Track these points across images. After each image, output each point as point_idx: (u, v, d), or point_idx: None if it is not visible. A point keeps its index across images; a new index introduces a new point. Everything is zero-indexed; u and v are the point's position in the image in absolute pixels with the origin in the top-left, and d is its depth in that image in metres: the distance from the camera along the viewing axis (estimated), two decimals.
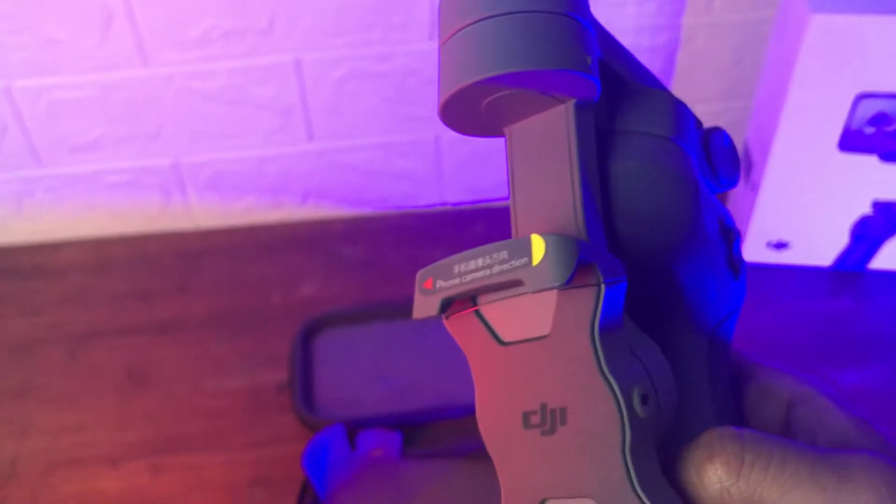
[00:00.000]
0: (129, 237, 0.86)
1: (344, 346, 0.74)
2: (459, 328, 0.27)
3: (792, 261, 0.78)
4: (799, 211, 0.74)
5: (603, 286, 0.24)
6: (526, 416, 0.25)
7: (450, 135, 0.82)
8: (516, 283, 0.25)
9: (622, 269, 0.25)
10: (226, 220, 0.86)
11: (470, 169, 0.84)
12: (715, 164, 0.30)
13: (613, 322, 0.25)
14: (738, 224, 0.79)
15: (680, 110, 0.29)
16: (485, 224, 0.85)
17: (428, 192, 0.86)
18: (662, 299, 0.28)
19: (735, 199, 0.80)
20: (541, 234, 0.24)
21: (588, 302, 0.24)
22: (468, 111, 0.27)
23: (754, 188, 0.75)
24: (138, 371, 0.74)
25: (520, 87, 0.26)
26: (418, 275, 0.27)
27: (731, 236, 0.30)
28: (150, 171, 0.82)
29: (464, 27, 0.26)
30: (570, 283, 0.23)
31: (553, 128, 0.27)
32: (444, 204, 0.87)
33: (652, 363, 0.25)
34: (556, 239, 0.24)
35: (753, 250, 0.78)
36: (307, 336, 0.74)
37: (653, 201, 0.27)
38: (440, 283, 0.26)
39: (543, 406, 0.25)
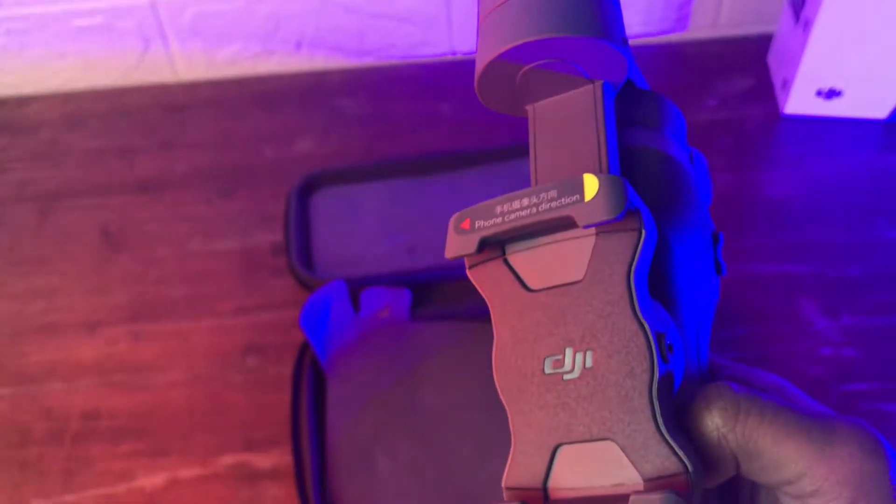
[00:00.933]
0: (105, 90, 0.77)
1: (343, 206, 0.66)
2: (484, 277, 0.28)
3: (843, 112, 0.70)
4: (855, 54, 0.66)
5: (644, 232, 0.25)
6: (548, 361, 0.26)
7: None
8: (564, 222, 0.25)
9: (654, 221, 0.26)
10: (211, 71, 0.77)
11: None
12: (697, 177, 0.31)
13: (643, 272, 0.25)
14: (786, 69, 0.70)
15: (670, 110, 0.31)
16: None
17: (436, 38, 0.77)
18: (663, 278, 0.29)
19: (782, 40, 0.71)
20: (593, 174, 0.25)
21: (627, 247, 0.25)
22: (503, 84, 0.29)
23: (806, 27, 0.66)
24: (116, 232, 0.67)
25: (557, 57, 0.27)
26: (454, 217, 0.27)
27: (717, 237, 0.31)
28: (126, 13, 0.73)
29: (504, 1, 0.28)
30: (619, 219, 0.24)
31: (581, 105, 0.28)
32: (453, 53, 0.78)
33: (665, 319, 0.26)
34: (610, 177, 0.25)
35: (801, 99, 0.70)
36: (303, 194, 0.66)
37: (654, 180, 0.29)
38: (479, 223, 0.27)
39: (567, 351, 0.25)
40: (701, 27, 0.78)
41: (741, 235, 0.64)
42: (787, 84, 0.70)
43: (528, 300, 0.27)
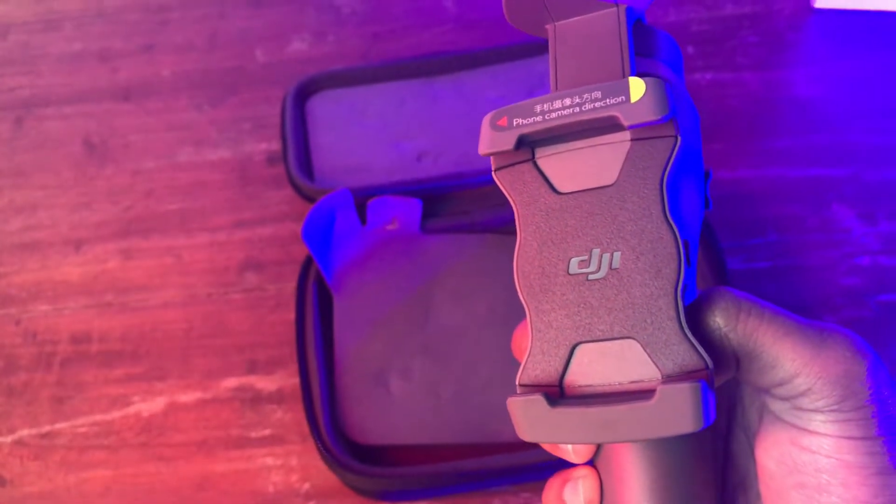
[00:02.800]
0: None
1: (343, 111, 0.61)
2: (512, 179, 0.28)
3: (879, 5, 0.65)
4: None
5: (679, 138, 0.26)
6: (573, 262, 0.27)
7: None
8: (606, 123, 0.26)
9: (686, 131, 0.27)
10: None
11: None
12: None
13: (675, 178, 0.26)
14: None
15: (667, 43, 0.30)
16: None
17: None
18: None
19: None
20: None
21: (663, 152, 0.26)
22: (532, 7, 0.29)
23: None
24: (99, 143, 0.62)
25: None
26: (489, 115, 0.28)
27: (708, 172, 0.31)
28: None
29: None
30: (665, 121, 0.25)
31: (606, 27, 0.28)
32: None
33: (690, 228, 0.27)
34: (656, 80, 0.26)
35: None
36: (299, 99, 0.61)
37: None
38: (518, 121, 0.27)
39: (594, 252, 0.26)
40: None
41: (771, 136, 0.60)
42: None
43: (556, 203, 0.27)
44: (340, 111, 0.61)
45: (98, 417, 0.51)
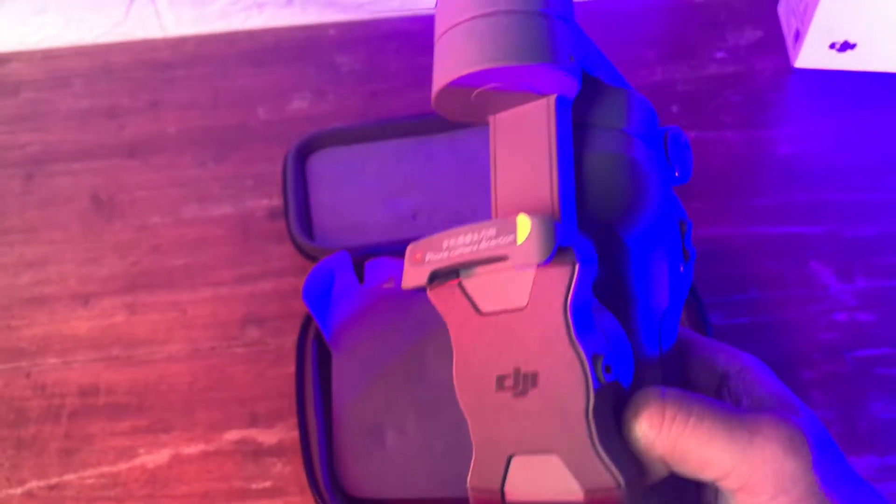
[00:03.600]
0: (89, 47, 0.74)
1: (342, 168, 0.64)
2: (442, 299, 0.29)
3: (857, 65, 0.68)
4: (871, 5, 0.63)
5: (577, 266, 0.26)
6: (500, 380, 0.28)
7: None
8: (501, 259, 0.27)
9: (594, 251, 0.28)
10: (200, 26, 0.74)
11: None
12: (671, 159, 0.32)
13: (583, 298, 0.27)
14: (798, 21, 0.67)
15: (636, 106, 0.31)
16: None
17: None
18: (622, 277, 0.30)
19: None
20: (526, 215, 0.26)
21: (563, 279, 0.27)
22: (459, 101, 0.29)
23: None
24: (106, 198, 0.64)
25: (506, 81, 0.28)
26: (409, 248, 0.30)
27: (684, 227, 0.32)
28: None
29: (456, 25, 0.28)
30: (549, 262, 0.26)
31: (535, 119, 0.29)
32: None
33: (613, 337, 0.28)
34: (541, 221, 0.26)
35: (813, 52, 0.67)
36: (300, 157, 0.64)
37: (611, 185, 0.30)
38: (429, 256, 0.29)
39: (517, 370, 0.27)
40: None
41: (752, 194, 0.63)
42: (799, 36, 0.67)
43: (480, 322, 0.28)
44: (339, 169, 0.63)
45: (105, 469, 0.53)
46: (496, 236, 0.27)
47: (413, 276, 0.29)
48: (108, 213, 0.63)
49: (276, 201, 0.63)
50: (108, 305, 0.59)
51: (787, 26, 0.70)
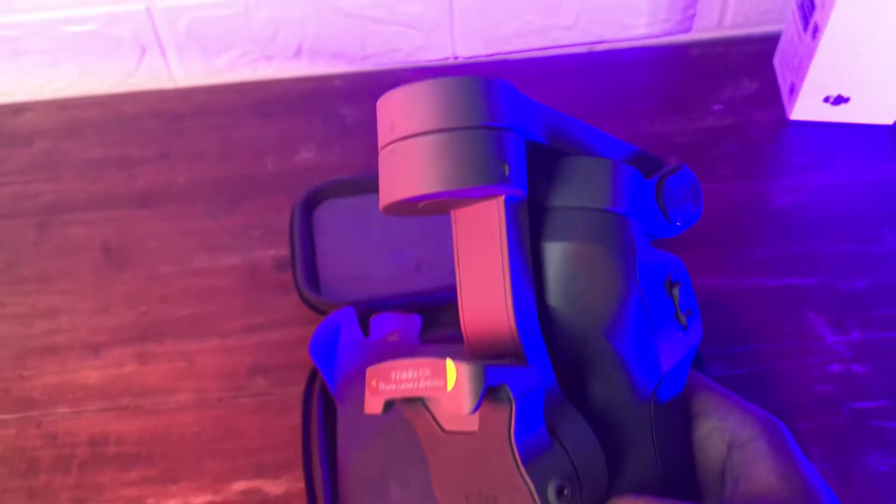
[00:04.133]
0: (101, 97, 0.75)
1: (348, 219, 0.65)
2: (410, 414, 0.30)
3: (851, 118, 0.69)
4: (864, 61, 0.65)
5: (513, 403, 0.26)
6: (468, 496, 0.29)
7: None
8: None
9: (537, 377, 0.27)
10: (209, 77, 0.76)
11: (487, 14, 0.73)
12: (668, 209, 0.32)
13: (528, 429, 0.27)
14: (793, 75, 0.69)
15: (618, 176, 0.30)
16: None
17: (438, 42, 0.75)
18: (598, 368, 0.30)
19: (789, 44, 0.70)
20: (455, 360, 0.26)
21: (502, 418, 0.27)
22: (411, 207, 0.29)
23: (815, 33, 0.65)
24: (117, 248, 0.66)
25: (445, 195, 0.27)
26: (367, 372, 0.29)
27: (676, 292, 0.31)
28: (121, 19, 0.71)
29: (391, 143, 0.27)
30: (478, 408, 0.25)
31: (487, 219, 0.28)
32: (455, 57, 0.77)
33: (577, 446, 0.28)
34: (467, 369, 0.25)
35: (808, 105, 0.69)
36: (307, 207, 0.65)
37: (582, 278, 0.29)
38: (382, 386, 0.28)
39: (480, 490, 0.28)
40: (706, 28, 0.77)
41: (748, 246, 0.64)
42: (794, 90, 0.69)
43: (444, 439, 0.29)
44: (345, 220, 0.65)
45: None
46: (430, 377, 0.27)
47: (371, 404, 0.29)
48: (118, 263, 0.65)
49: (284, 251, 0.64)
50: (119, 355, 0.60)
51: (783, 79, 0.72)
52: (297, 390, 0.57)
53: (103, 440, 0.57)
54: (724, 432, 0.31)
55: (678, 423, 0.32)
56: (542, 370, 0.28)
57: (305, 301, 0.60)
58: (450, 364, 0.26)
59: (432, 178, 0.27)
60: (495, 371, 0.26)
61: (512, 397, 0.26)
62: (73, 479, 0.55)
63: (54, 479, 0.56)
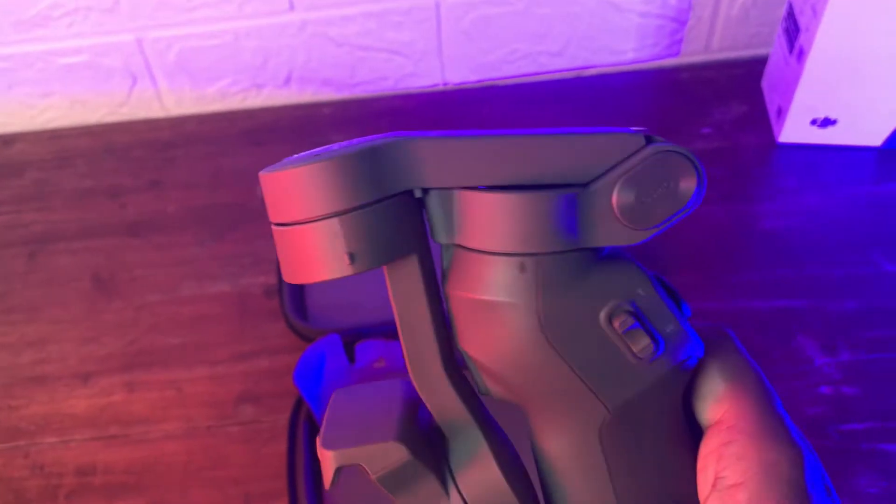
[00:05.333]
0: (92, 127, 0.76)
1: None
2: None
3: (839, 140, 0.69)
4: (850, 83, 0.65)
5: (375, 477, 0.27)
6: None
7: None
8: None
9: (405, 453, 0.27)
10: (200, 107, 0.76)
11: (475, 41, 0.74)
12: (634, 219, 0.26)
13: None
14: (780, 98, 0.70)
15: (527, 212, 0.26)
16: (490, 106, 0.75)
17: (427, 69, 0.76)
18: (529, 413, 0.28)
19: (776, 67, 0.71)
20: (321, 445, 0.28)
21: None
22: None
23: (800, 56, 0.65)
24: (107, 277, 0.66)
25: None
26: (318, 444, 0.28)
27: (624, 323, 0.26)
28: (111, 50, 0.72)
29: (276, 225, 0.27)
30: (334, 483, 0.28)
31: (407, 275, 0.27)
32: (444, 84, 0.77)
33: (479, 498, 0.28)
34: (322, 454, 0.28)
35: (796, 128, 0.69)
36: None
37: (481, 330, 0.27)
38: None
39: None
40: (694, 52, 0.77)
41: (738, 268, 0.64)
42: (781, 113, 0.69)
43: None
44: None
45: None
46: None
47: (325, 475, 0.29)
48: (108, 292, 0.65)
49: (272, 279, 0.64)
50: (107, 384, 0.60)
51: (771, 102, 0.72)
52: (285, 418, 0.57)
53: (91, 469, 0.57)
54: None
55: (649, 445, 0.28)
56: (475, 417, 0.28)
57: (293, 328, 0.60)
58: (318, 448, 0.27)
59: (291, 270, 0.27)
60: (348, 454, 0.27)
61: (371, 473, 0.27)
62: None
63: None
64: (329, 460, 0.27)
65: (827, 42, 0.63)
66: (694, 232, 0.66)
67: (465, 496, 0.28)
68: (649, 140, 0.25)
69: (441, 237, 0.27)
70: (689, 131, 0.72)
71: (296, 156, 0.27)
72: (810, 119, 0.68)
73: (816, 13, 0.62)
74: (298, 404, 0.56)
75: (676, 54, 0.77)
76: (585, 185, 0.25)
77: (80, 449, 0.58)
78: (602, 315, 0.26)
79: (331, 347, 0.55)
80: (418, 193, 0.26)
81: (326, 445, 0.27)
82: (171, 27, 0.70)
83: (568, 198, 0.25)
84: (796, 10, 0.66)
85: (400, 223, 0.26)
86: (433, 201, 0.26)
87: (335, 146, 0.27)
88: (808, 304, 0.62)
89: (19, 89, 0.74)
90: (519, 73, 0.77)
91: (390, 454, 0.27)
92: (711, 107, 0.74)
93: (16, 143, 0.75)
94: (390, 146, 0.25)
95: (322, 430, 0.28)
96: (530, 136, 0.25)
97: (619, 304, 0.26)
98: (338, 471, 0.28)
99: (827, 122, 0.68)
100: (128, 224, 0.69)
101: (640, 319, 0.26)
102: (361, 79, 0.76)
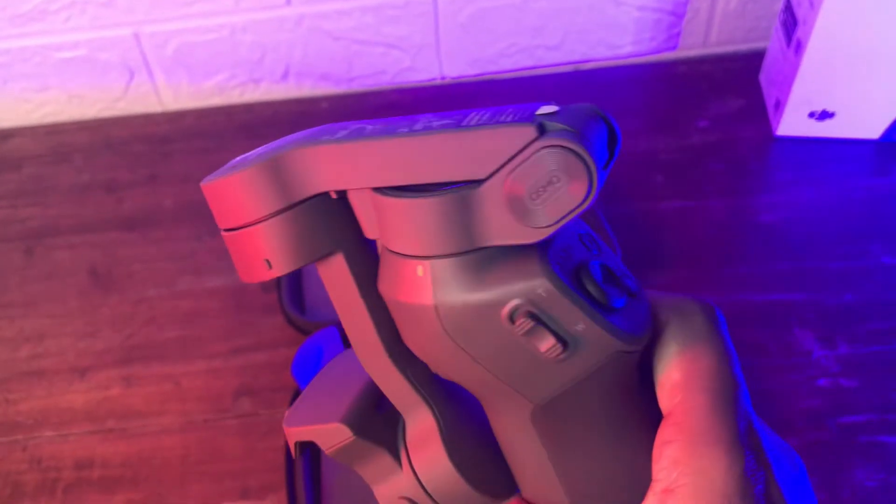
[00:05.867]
0: (89, 122, 0.76)
1: None
2: None
3: (836, 133, 0.69)
4: (847, 75, 0.65)
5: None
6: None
7: None
8: None
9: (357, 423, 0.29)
10: (197, 101, 0.76)
11: (473, 35, 0.74)
12: (528, 211, 0.24)
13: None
14: (778, 91, 0.70)
15: (418, 215, 0.26)
16: (489, 100, 0.75)
17: (425, 63, 0.76)
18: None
19: (774, 61, 0.70)
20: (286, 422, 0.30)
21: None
22: None
23: (798, 49, 0.65)
24: (104, 271, 0.66)
25: None
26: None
27: (524, 324, 0.24)
28: (108, 44, 0.72)
29: (223, 231, 0.27)
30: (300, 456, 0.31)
31: (336, 272, 0.27)
32: (442, 78, 0.77)
33: (428, 472, 0.29)
34: (287, 432, 0.30)
35: (794, 121, 0.69)
36: None
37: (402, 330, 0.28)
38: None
39: None
40: (691, 46, 0.77)
41: (735, 262, 0.64)
42: (779, 106, 0.69)
43: None
44: None
45: None
46: None
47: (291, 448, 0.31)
48: (105, 287, 0.65)
49: None
50: (104, 378, 0.60)
51: (768, 95, 0.72)
52: (283, 412, 0.57)
53: (88, 463, 0.57)
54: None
55: (595, 432, 0.27)
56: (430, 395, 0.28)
57: (291, 322, 0.60)
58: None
59: (239, 269, 0.28)
60: (302, 432, 0.29)
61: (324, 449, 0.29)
62: (58, 503, 0.55)
63: (39, 502, 0.55)
64: (289, 436, 0.29)
65: (825, 35, 0.63)
66: (692, 226, 0.66)
67: (416, 471, 0.29)
68: (543, 130, 0.23)
69: (371, 234, 0.27)
70: (686, 124, 0.72)
71: (239, 157, 0.28)
72: (808, 112, 0.68)
73: (814, 6, 0.62)
74: (296, 397, 0.56)
75: (674, 48, 0.77)
76: (481, 181, 0.24)
77: (78, 443, 0.58)
78: (503, 316, 0.25)
79: (328, 340, 0.55)
80: (334, 195, 0.26)
81: (287, 422, 0.29)
82: (168, 22, 0.70)
83: (457, 198, 0.24)
84: (794, 3, 0.66)
85: (316, 226, 0.26)
86: (354, 201, 0.26)
87: (252, 154, 0.27)
88: (806, 296, 0.62)
89: (16, 84, 0.74)
90: (516, 67, 0.77)
91: (336, 435, 0.28)
92: (709, 100, 0.74)
93: (13, 138, 0.75)
94: (286, 157, 0.25)
95: (292, 406, 0.31)
96: (423, 135, 0.24)
97: (518, 304, 0.24)
98: (299, 445, 0.30)
99: (825, 115, 0.68)
100: (125, 218, 0.69)
101: (540, 320, 0.24)
102: (359, 73, 0.75)
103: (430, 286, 0.25)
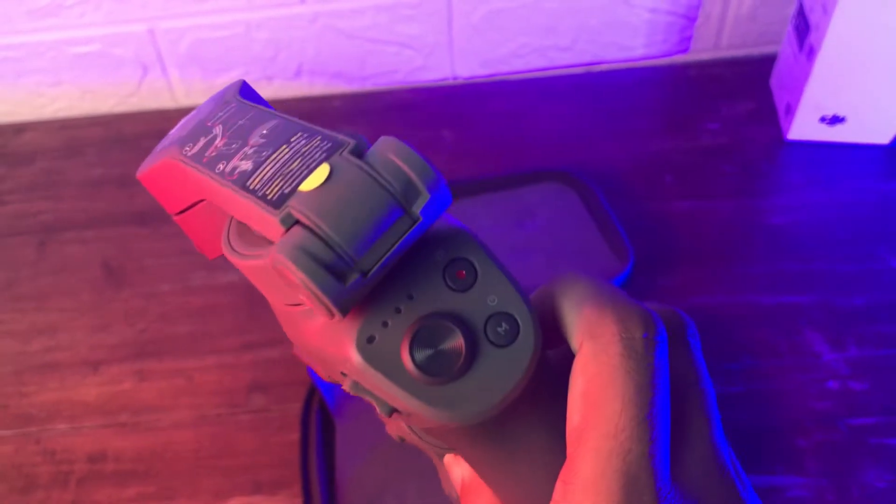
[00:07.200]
0: (102, 117, 0.76)
1: None
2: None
3: (847, 138, 0.70)
4: (859, 81, 0.65)
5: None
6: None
7: None
8: None
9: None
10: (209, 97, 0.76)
11: (486, 35, 0.74)
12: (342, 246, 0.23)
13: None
14: (789, 95, 0.70)
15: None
16: (500, 100, 0.75)
17: (437, 63, 0.76)
18: None
19: (785, 64, 0.71)
20: None
21: None
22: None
23: (810, 53, 0.66)
24: (117, 266, 0.66)
25: None
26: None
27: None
28: (123, 40, 0.72)
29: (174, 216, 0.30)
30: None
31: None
32: (454, 78, 0.77)
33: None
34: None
35: (805, 125, 0.69)
36: None
37: None
38: None
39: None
40: (703, 49, 0.78)
41: (744, 263, 0.64)
42: (790, 110, 0.70)
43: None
44: None
45: None
46: None
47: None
48: (118, 281, 0.65)
49: None
50: (117, 372, 0.61)
51: (779, 99, 0.73)
52: (295, 407, 0.58)
53: (101, 457, 0.57)
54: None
55: (521, 451, 0.26)
56: None
57: None
58: None
59: (201, 246, 0.32)
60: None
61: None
62: (71, 496, 0.55)
63: (52, 495, 0.55)
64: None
65: (837, 40, 0.63)
66: (702, 226, 0.66)
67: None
68: (289, 223, 0.22)
69: None
70: (697, 127, 0.73)
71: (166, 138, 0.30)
72: (819, 116, 0.69)
73: (827, 11, 0.62)
74: (311, 393, 0.56)
75: (686, 51, 0.78)
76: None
77: (91, 436, 0.58)
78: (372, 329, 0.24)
79: None
80: None
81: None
82: (182, 18, 0.71)
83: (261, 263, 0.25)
84: (806, 8, 0.66)
85: None
86: None
87: (174, 131, 0.29)
88: (815, 299, 0.62)
89: (30, 78, 0.74)
90: (528, 68, 0.77)
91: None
92: (720, 103, 0.74)
93: (26, 133, 0.75)
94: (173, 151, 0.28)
95: None
96: (234, 190, 0.25)
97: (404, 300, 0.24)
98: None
99: (836, 120, 0.69)
100: (137, 213, 0.69)
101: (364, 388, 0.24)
102: (372, 72, 0.76)
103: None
